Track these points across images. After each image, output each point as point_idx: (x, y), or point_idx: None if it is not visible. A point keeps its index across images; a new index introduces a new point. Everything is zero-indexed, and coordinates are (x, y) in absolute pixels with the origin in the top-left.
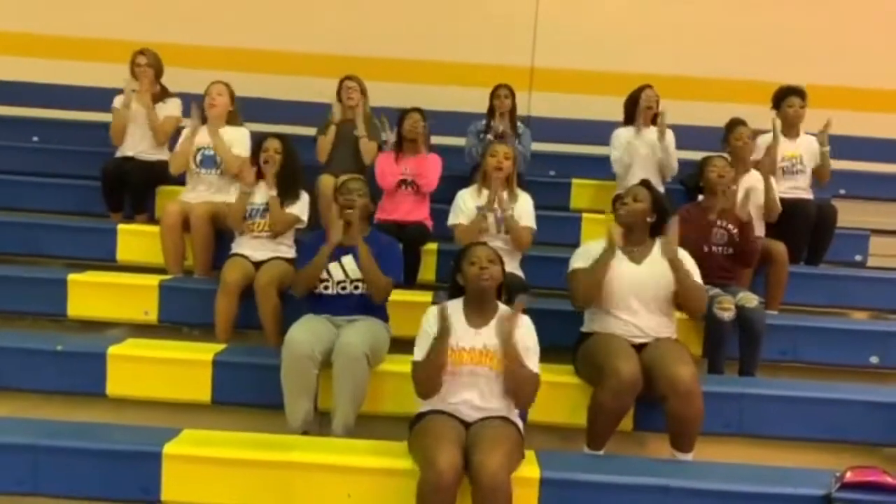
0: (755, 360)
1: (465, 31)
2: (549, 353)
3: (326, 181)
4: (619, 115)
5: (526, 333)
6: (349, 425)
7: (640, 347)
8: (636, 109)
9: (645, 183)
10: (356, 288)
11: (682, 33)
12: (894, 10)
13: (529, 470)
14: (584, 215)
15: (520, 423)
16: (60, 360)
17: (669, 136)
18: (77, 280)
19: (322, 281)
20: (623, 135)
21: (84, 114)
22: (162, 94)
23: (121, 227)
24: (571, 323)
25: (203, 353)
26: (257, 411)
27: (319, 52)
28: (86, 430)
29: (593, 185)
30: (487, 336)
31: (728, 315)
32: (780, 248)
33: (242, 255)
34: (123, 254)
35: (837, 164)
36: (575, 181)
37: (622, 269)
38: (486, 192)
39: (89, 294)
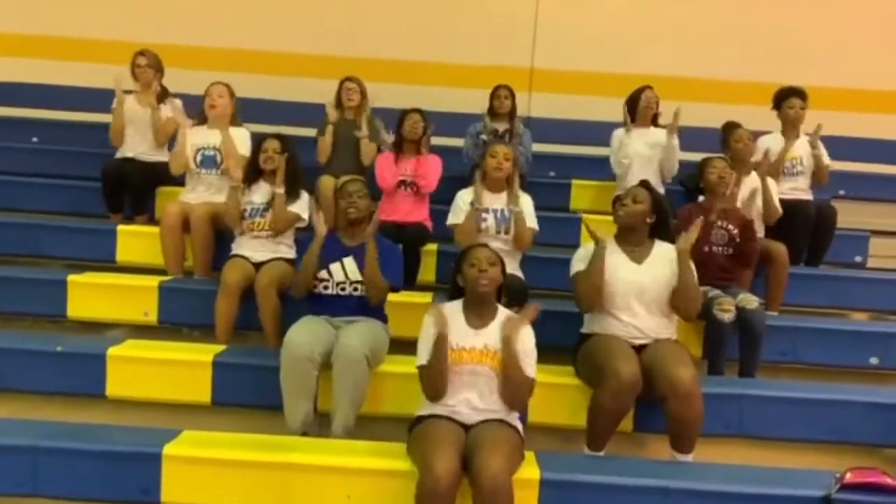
0: (755, 361)
1: (465, 32)
2: (548, 353)
3: (326, 182)
4: (619, 116)
5: (525, 336)
6: (349, 426)
7: (640, 348)
8: (636, 110)
9: (644, 184)
10: (355, 290)
11: (683, 34)
12: (894, 10)
13: (529, 471)
14: (585, 216)
15: (519, 426)
16: (60, 361)
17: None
18: (77, 281)
19: (322, 281)
20: (620, 135)
21: (84, 115)
22: (162, 95)
23: (120, 227)
24: (571, 324)
25: (203, 354)
26: (257, 412)
27: (319, 52)
28: (85, 432)
29: (593, 185)
30: (487, 336)
31: (728, 317)
32: (780, 249)
33: (242, 256)
34: (123, 255)
35: (837, 165)
36: (575, 182)
37: (622, 269)
38: (485, 193)
39: (89, 295)
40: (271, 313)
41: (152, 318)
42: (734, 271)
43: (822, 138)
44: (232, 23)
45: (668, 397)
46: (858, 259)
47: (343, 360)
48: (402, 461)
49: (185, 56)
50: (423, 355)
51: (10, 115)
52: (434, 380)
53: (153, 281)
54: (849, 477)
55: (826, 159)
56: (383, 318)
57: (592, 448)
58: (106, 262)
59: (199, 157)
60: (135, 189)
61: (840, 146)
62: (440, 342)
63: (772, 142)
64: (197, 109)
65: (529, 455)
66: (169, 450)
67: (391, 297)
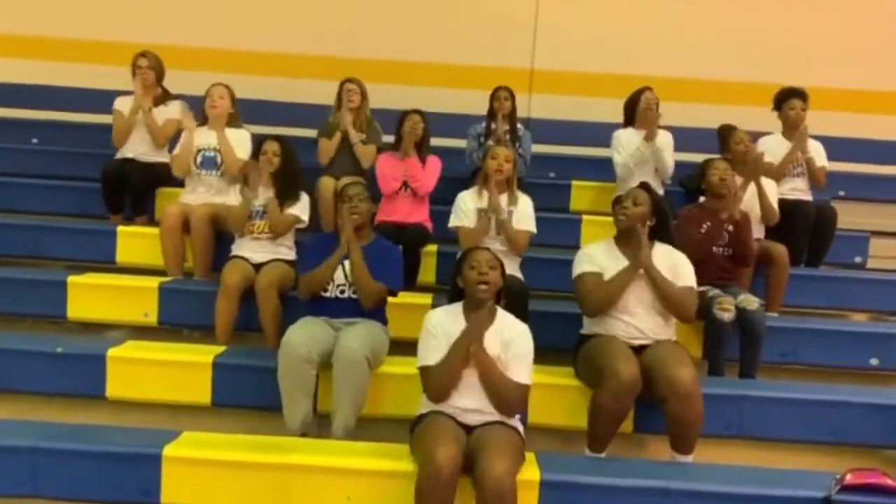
0: (755, 361)
1: (465, 33)
2: (548, 355)
3: (326, 183)
4: (619, 117)
5: (520, 340)
6: (349, 428)
7: (640, 349)
8: (636, 111)
9: (644, 186)
10: (355, 292)
11: (683, 35)
12: (895, 11)
13: (530, 472)
14: (584, 217)
15: (520, 427)
16: (60, 361)
17: (666, 138)
18: (77, 282)
19: None
20: (624, 138)
21: (84, 116)
22: (163, 97)
23: (120, 228)
24: (571, 325)
25: (203, 355)
26: (257, 413)
27: (319, 53)
28: (85, 432)
29: (593, 186)
30: (487, 339)
31: (728, 316)
32: (780, 249)
33: (242, 258)
34: (123, 255)
35: (838, 166)
36: (575, 183)
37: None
38: (486, 195)
39: (89, 296)
40: (272, 314)
41: (152, 319)
42: (734, 271)
43: (822, 139)
44: (232, 24)
45: (668, 398)
46: (858, 260)
47: (343, 361)
48: (403, 462)
49: (184, 57)
50: (428, 356)
51: (10, 117)
52: (446, 380)
53: (153, 282)
54: (849, 478)
55: (820, 161)
56: (383, 320)
57: (593, 450)
58: (106, 262)
59: (199, 159)
60: (135, 190)
61: (840, 147)
62: (462, 346)
63: (772, 143)
64: (197, 110)
65: (530, 456)
66: (169, 451)
67: (391, 298)
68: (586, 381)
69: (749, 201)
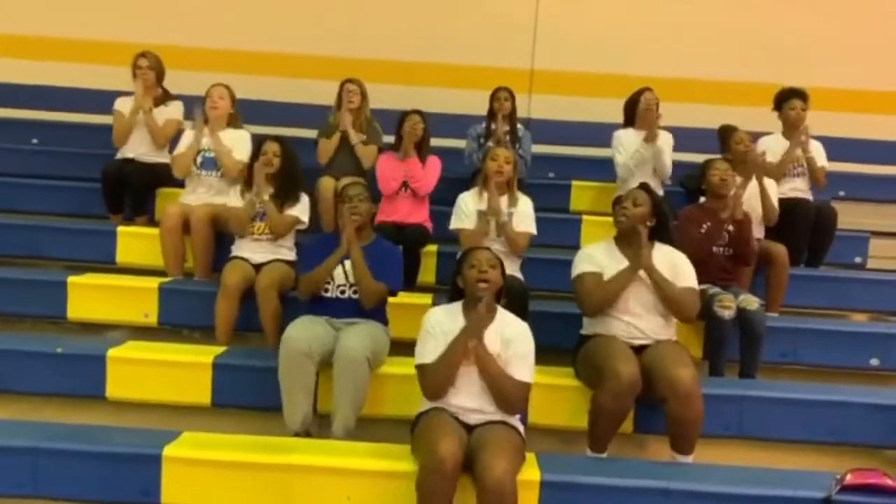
0: (756, 362)
1: (465, 34)
2: (549, 355)
3: (327, 183)
4: (619, 118)
5: (520, 339)
6: (349, 428)
7: (640, 349)
8: (636, 112)
9: (644, 186)
10: (355, 293)
11: (683, 35)
12: (895, 11)
13: (530, 473)
14: (584, 217)
15: (520, 427)
16: (60, 362)
17: (666, 138)
18: (77, 282)
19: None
20: (625, 139)
21: (84, 116)
22: (164, 97)
23: (120, 229)
24: (571, 325)
25: (203, 355)
26: (257, 414)
27: (319, 53)
28: (85, 433)
29: (593, 187)
30: (487, 338)
31: (728, 313)
32: (780, 250)
33: (242, 258)
34: (123, 256)
35: (838, 166)
36: (575, 183)
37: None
38: (487, 196)
39: (89, 296)
40: (272, 315)
41: (152, 319)
42: (734, 271)
43: (822, 139)
44: (232, 24)
45: (668, 398)
46: (858, 260)
47: (343, 361)
48: (403, 462)
49: (184, 57)
50: (425, 354)
51: (10, 117)
52: (444, 376)
53: (153, 282)
54: (849, 478)
55: (821, 161)
56: (384, 321)
57: (595, 450)
58: (106, 263)
59: (199, 159)
60: (135, 190)
61: (840, 147)
62: (460, 343)
63: (772, 143)
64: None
65: (530, 456)
66: (169, 451)
67: (391, 298)
68: (586, 381)
69: (750, 200)
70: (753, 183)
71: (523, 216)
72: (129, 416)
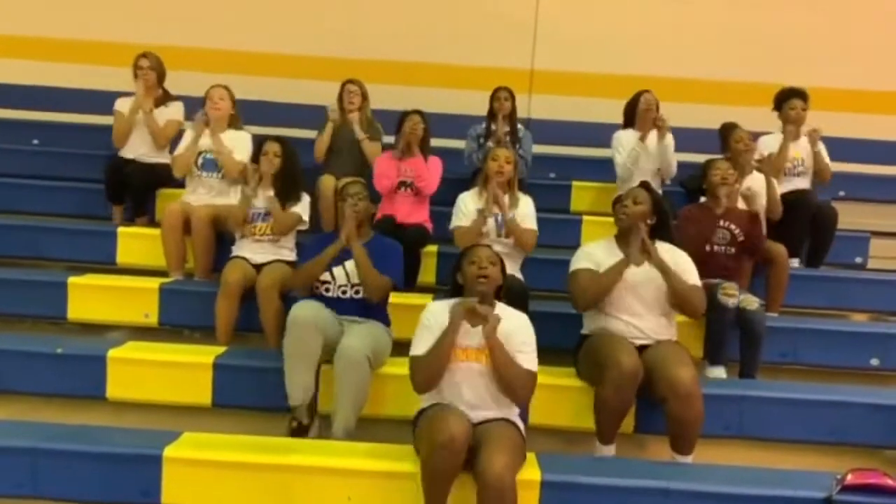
0: (756, 362)
1: (465, 34)
2: (549, 355)
3: (327, 182)
4: (619, 118)
5: (521, 330)
6: (350, 428)
7: (640, 349)
8: (635, 113)
9: (644, 185)
10: (356, 293)
11: (683, 35)
12: (895, 11)
13: (530, 472)
14: (585, 217)
15: (521, 425)
16: (60, 362)
17: (669, 138)
18: (77, 283)
19: (324, 283)
20: (625, 139)
21: (84, 117)
22: (164, 98)
23: (121, 229)
24: (572, 325)
25: (203, 355)
26: (258, 414)
27: (319, 54)
28: (86, 433)
29: (594, 187)
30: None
31: (732, 302)
32: (780, 250)
33: (243, 258)
34: (124, 256)
35: (838, 167)
36: (575, 183)
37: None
38: (486, 196)
39: (89, 297)
40: (273, 315)
41: (153, 319)
42: (735, 270)
43: (823, 139)
44: (232, 24)
45: (668, 398)
46: (859, 260)
47: (344, 361)
48: (403, 463)
49: (184, 57)
50: (419, 346)
51: (11, 117)
52: (431, 368)
53: (154, 283)
54: (849, 478)
55: (826, 159)
56: (386, 321)
57: (603, 442)
58: (106, 263)
59: (200, 160)
60: (135, 190)
61: (841, 147)
62: (452, 331)
63: (772, 142)
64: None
65: (530, 456)
66: (169, 452)
67: (392, 298)
68: (588, 378)
69: (754, 197)
70: (759, 177)
71: (525, 216)
72: (130, 417)
